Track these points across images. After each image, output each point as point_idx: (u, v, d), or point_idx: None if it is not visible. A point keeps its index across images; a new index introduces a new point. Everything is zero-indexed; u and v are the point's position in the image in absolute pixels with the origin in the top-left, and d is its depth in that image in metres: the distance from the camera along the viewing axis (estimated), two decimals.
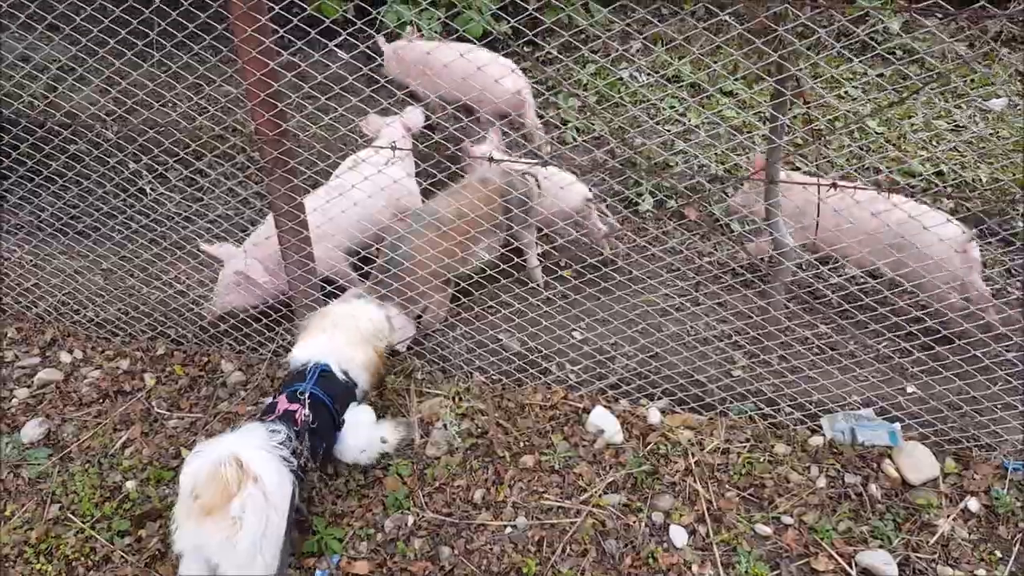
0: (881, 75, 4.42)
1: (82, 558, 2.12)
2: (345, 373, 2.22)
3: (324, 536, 2.12)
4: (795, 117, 3.61)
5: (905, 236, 2.49)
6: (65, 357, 2.78)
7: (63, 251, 3.17)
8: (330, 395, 2.13)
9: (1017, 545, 2.03)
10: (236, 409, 2.55)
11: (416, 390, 2.58)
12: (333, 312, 2.33)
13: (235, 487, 1.72)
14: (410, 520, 2.18)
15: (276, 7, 2.01)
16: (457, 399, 2.54)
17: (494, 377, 2.65)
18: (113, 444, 2.44)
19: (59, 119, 2.63)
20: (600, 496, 2.20)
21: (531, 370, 2.65)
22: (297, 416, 2.01)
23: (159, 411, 2.56)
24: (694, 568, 2.02)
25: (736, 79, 4.29)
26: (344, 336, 2.25)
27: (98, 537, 2.16)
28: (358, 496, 2.27)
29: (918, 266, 2.51)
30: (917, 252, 2.50)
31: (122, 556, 2.12)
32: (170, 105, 2.65)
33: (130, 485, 2.31)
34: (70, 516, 2.23)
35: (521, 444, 2.39)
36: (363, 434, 2.25)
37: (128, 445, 2.44)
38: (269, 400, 2.16)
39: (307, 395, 2.06)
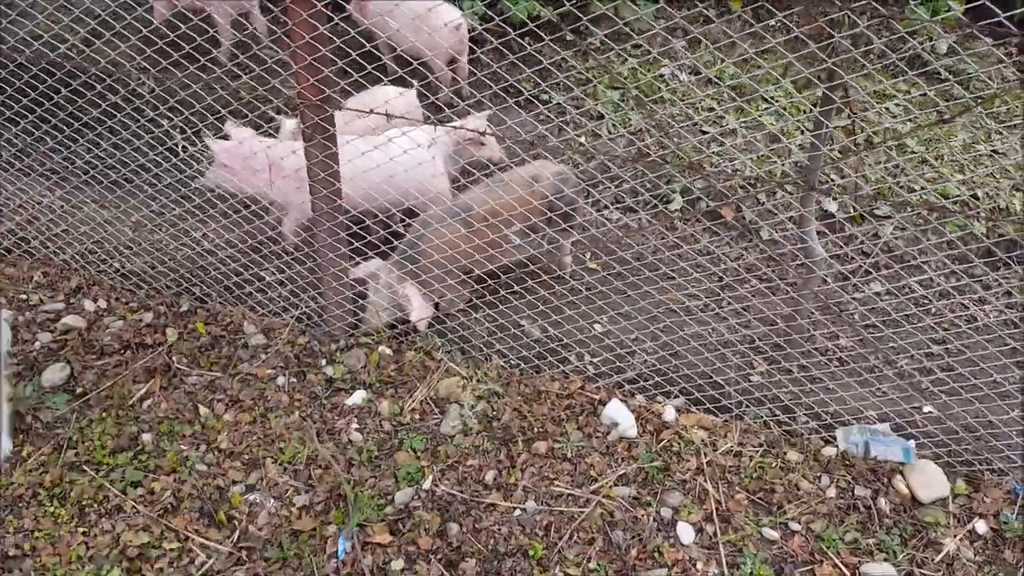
0: (924, 94, 4.37)
1: (95, 504, 2.15)
2: None
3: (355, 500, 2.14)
4: (836, 127, 3.58)
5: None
6: (89, 305, 2.81)
7: (94, 200, 3.19)
8: None
9: (1022, 570, 2.03)
10: (255, 371, 2.57)
11: (434, 368, 2.60)
12: None
13: None
14: (421, 495, 2.20)
15: None
16: (475, 381, 2.55)
17: (512, 362, 2.65)
18: (132, 396, 2.47)
19: (100, 67, 2.63)
20: (610, 487, 2.21)
21: (550, 358, 2.66)
22: None
23: (179, 367, 2.58)
24: (699, 565, 2.03)
25: (778, 85, 4.25)
26: None
27: (110, 487, 2.19)
28: (370, 466, 2.29)
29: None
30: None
31: (134, 506, 2.15)
32: (211, 64, 2.66)
33: (146, 437, 2.34)
34: (85, 463, 2.26)
35: (535, 430, 2.40)
36: None
37: (146, 398, 2.47)
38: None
39: None
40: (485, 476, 2.25)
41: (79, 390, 2.49)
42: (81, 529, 2.09)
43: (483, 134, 3.02)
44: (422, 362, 2.63)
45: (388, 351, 2.66)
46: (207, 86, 2.80)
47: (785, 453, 2.35)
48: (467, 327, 2.77)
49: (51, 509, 2.14)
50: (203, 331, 2.71)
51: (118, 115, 2.80)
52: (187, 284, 2.87)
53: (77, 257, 2.97)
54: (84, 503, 2.16)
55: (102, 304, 2.83)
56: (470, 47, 4.02)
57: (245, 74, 2.34)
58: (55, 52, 2.47)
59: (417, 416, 2.45)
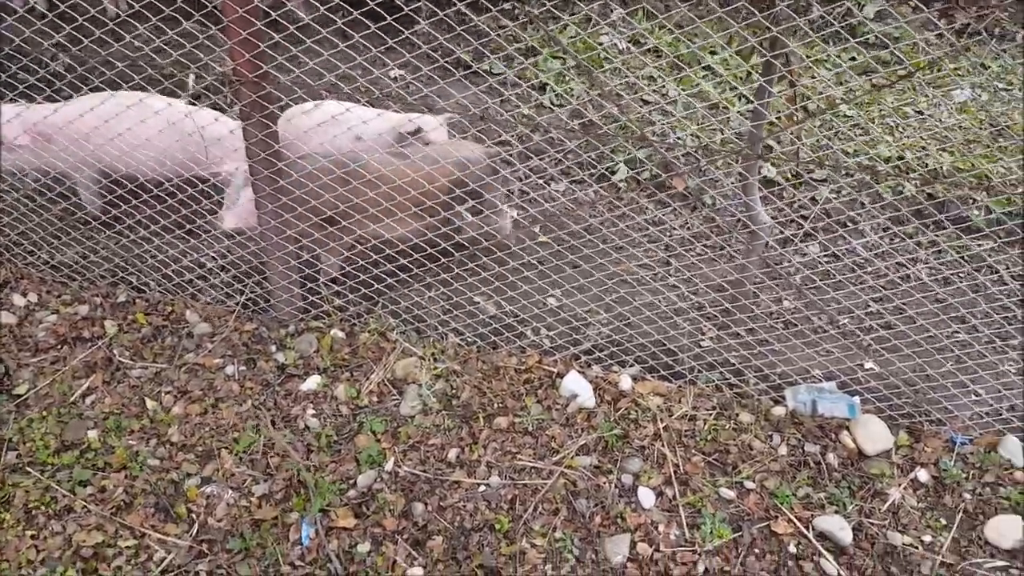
0: (854, 59, 4.49)
1: (42, 507, 2.06)
2: None
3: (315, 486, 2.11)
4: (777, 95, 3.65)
5: None
6: (19, 300, 2.65)
7: (14, 188, 2.99)
8: None
9: (960, 514, 2.16)
10: (202, 361, 2.48)
11: (390, 348, 2.56)
12: None
13: None
14: (384, 477, 2.18)
15: None
16: (432, 360, 2.53)
17: (469, 339, 2.64)
18: (73, 392, 2.36)
19: (14, 46, 2.45)
20: (572, 458, 2.24)
21: (506, 334, 2.66)
22: None
23: (121, 360, 2.47)
24: (660, 528, 2.09)
25: (719, 56, 4.30)
26: None
27: (58, 488, 2.10)
28: (330, 451, 2.26)
29: None
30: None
31: (84, 506, 2.07)
32: (140, 39, 2.50)
33: (92, 434, 2.24)
34: (28, 464, 2.16)
35: (495, 406, 2.41)
36: None
37: (89, 394, 2.36)
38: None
39: None
40: (448, 454, 2.25)
41: (16, 389, 2.36)
42: (30, 532, 2.00)
43: (415, 133, 2.92)
44: (377, 343, 2.59)
45: (341, 334, 2.61)
46: (132, 64, 2.65)
47: (737, 415, 2.43)
48: (421, 306, 2.74)
49: None
50: (143, 322, 2.60)
51: (37, 98, 2.63)
52: (122, 273, 2.74)
53: (2, 250, 2.80)
54: (31, 505, 2.06)
55: (32, 298, 2.68)
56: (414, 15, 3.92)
57: (174, 51, 2.21)
58: None
59: (375, 398, 2.42)
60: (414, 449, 2.27)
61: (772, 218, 3.29)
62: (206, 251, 2.79)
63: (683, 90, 4.21)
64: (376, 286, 2.63)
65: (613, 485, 2.19)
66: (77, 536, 1.99)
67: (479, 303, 2.80)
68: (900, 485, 2.23)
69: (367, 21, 2.10)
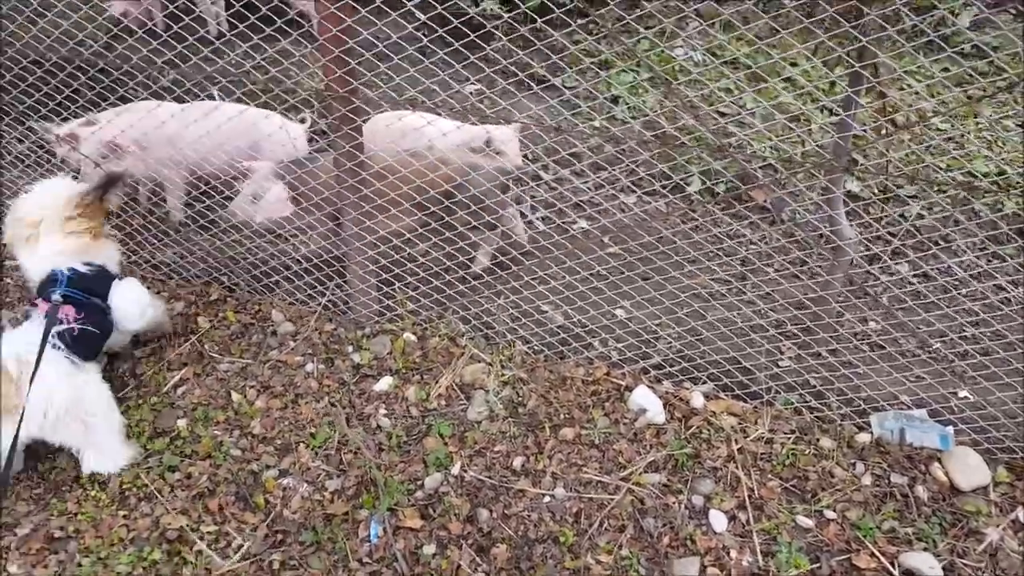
0: (947, 69, 4.25)
1: (134, 489, 2.20)
2: (85, 264, 2.29)
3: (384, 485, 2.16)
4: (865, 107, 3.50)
5: None
6: None
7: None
8: (85, 289, 2.24)
9: None
10: (285, 358, 2.59)
11: (459, 353, 2.60)
12: (28, 210, 2.28)
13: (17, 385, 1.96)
14: (450, 480, 2.21)
15: None
16: (500, 366, 2.55)
17: (536, 348, 2.65)
18: (167, 382, 2.51)
19: (113, 60, 2.65)
20: (640, 474, 2.20)
21: (574, 344, 2.65)
22: (62, 315, 2.15)
23: (211, 354, 2.62)
24: (732, 553, 2.02)
25: (796, 66, 4.16)
26: (58, 229, 2.26)
27: (149, 472, 2.23)
28: (399, 451, 2.31)
29: None
30: None
31: (172, 490, 2.19)
32: (235, 60, 2.67)
33: (182, 423, 2.38)
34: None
35: (561, 416, 2.40)
36: (133, 302, 2.36)
37: (181, 385, 2.51)
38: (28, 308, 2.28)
39: (60, 295, 2.18)
40: (513, 462, 2.26)
41: (115, 378, 2.54)
42: (122, 512, 2.14)
43: (486, 144, 2.95)
44: (447, 348, 2.63)
45: (413, 337, 2.67)
46: (233, 79, 2.83)
47: (818, 440, 2.32)
48: (490, 313, 2.77)
49: (92, 493, 2.19)
50: (233, 319, 2.74)
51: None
52: (216, 273, 2.90)
53: None
54: (124, 487, 2.20)
55: None
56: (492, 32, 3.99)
57: (272, 67, 2.34)
58: (71, 43, 2.49)
59: (443, 402, 2.46)
60: (480, 455, 2.29)
61: (858, 234, 3.15)
62: (292, 254, 2.91)
63: (762, 102, 4.10)
64: (448, 292, 2.68)
65: (683, 506, 2.14)
66: (164, 519, 2.11)
67: (547, 312, 2.80)
68: (999, 525, 2.07)
69: (449, 38, 2.16)
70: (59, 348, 2.12)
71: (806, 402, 2.44)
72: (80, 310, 2.21)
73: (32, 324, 2.16)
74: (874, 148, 3.47)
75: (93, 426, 2.15)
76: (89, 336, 2.22)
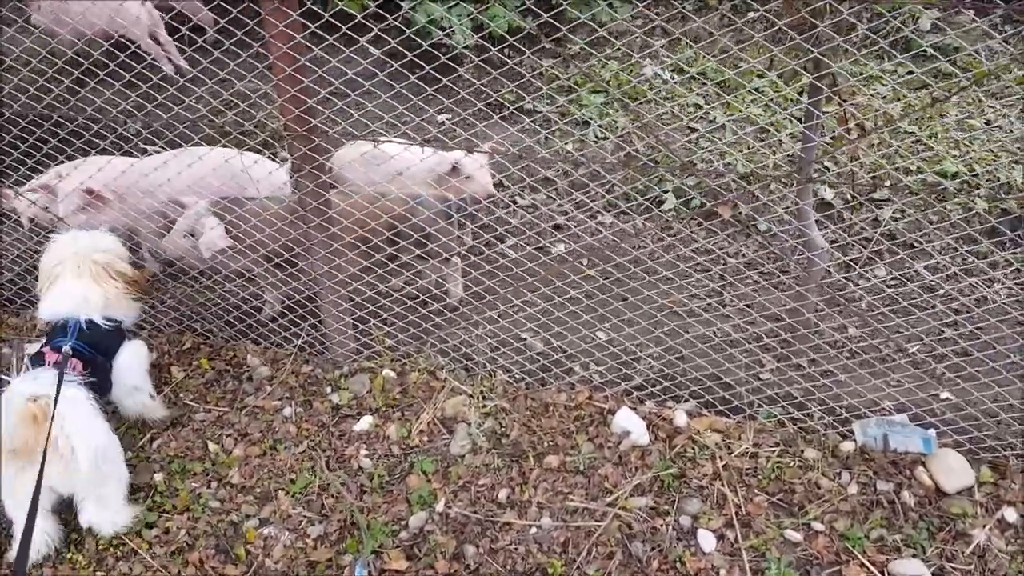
0: (911, 73, 4.34)
1: (111, 548, 2.14)
2: (106, 318, 2.28)
3: (368, 527, 2.12)
4: (827, 115, 3.56)
5: None
6: None
7: None
8: (93, 345, 2.21)
9: None
10: (261, 404, 2.56)
11: (439, 387, 2.58)
12: (66, 253, 2.30)
13: (46, 427, 1.93)
14: (435, 518, 2.17)
15: (306, 2, 2.01)
16: (481, 398, 2.53)
17: (517, 376, 2.63)
18: (142, 436, 2.46)
19: (88, 114, 2.64)
20: (626, 498, 2.18)
21: (555, 370, 2.63)
22: (70, 366, 2.12)
23: (187, 402, 2.57)
24: (722, 573, 2.00)
25: (763, 79, 4.23)
26: (89, 277, 2.27)
27: (123, 536, 2.17)
28: (382, 492, 2.27)
29: None
30: None
31: (149, 547, 2.14)
32: (196, 101, 2.66)
33: (158, 477, 2.33)
34: None
35: (545, 444, 2.37)
36: (134, 371, 2.34)
37: (156, 438, 2.46)
38: (32, 348, 2.29)
39: (69, 348, 2.15)
40: (498, 495, 2.23)
41: None
42: (99, 573, 2.08)
43: (452, 172, 2.94)
44: (427, 382, 2.61)
45: (392, 374, 2.65)
46: (192, 124, 2.82)
47: (802, 451, 2.31)
48: (469, 344, 2.75)
49: (68, 555, 2.12)
50: (207, 367, 2.70)
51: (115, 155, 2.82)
52: (188, 321, 2.86)
53: None
54: (100, 547, 2.14)
55: None
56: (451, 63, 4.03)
57: (229, 110, 2.35)
58: (42, 104, 2.48)
59: (426, 438, 2.43)
60: (464, 489, 2.25)
61: (831, 242, 3.18)
62: (265, 297, 2.88)
63: (730, 116, 4.16)
64: (424, 325, 2.66)
65: (671, 527, 2.11)
66: None
67: (526, 339, 2.79)
68: (985, 526, 2.06)
69: (414, 68, 2.17)
70: (88, 394, 2.09)
71: (789, 414, 2.44)
72: (86, 365, 2.18)
73: (43, 372, 2.10)
74: (843, 155, 3.51)
75: (106, 476, 2.09)
76: (94, 391, 2.18)
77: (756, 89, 4.32)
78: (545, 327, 2.73)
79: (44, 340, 2.27)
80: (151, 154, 2.85)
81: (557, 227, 3.51)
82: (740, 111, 4.16)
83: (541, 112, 4.12)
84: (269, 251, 2.62)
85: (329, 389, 2.61)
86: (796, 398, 2.48)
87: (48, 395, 2.00)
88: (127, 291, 2.38)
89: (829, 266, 2.94)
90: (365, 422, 2.48)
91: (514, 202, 3.67)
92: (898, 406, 2.43)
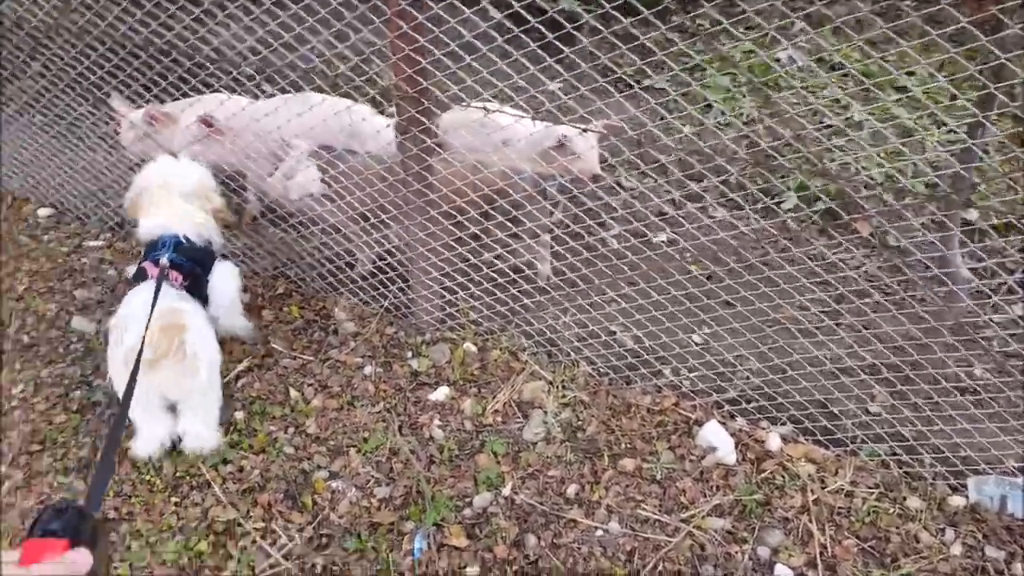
0: None
1: (187, 477, 2.22)
2: (199, 235, 2.36)
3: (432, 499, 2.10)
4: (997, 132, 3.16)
5: None
6: None
7: None
8: (191, 259, 2.30)
9: None
10: (344, 358, 2.57)
11: (519, 369, 2.51)
12: (159, 175, 2.39)
13: (180, 336, 2.08)
14: (500, 501, 2.12)
15: None
16: (561, 387, 2.44)
17: (601, 370, 2.52)
18: (229, 372, 2.54)
19: (206, 53, 2.68)
20: (703, 517, 2.05)
21: (642, 369, 2.50)
22: (171, 278, 2.22)
23: (274, 346, 2.63)
24: None
25: (912, 75, 3.82)
26: (180, 198, 2.36)
27: (201, 465, 2.25)
28: (450, 466, 2.24)
29: None
30: None
31: (223, 482, 2.20)
32: (311, 50, 2.65)
33: (239, 416, 2.39)
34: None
35: (623, 446, 2.27)
36: (229, 284, 2.43)
37: (241, 376, 2.53)
38: (132, 268, 2.39)
39: (167, 260, 2.24)
40: (567, 489, 2.15)
41: None
42: (174, 499, 2.17)
43: (560, 147, 2.80)
44: (507, 362, 2.54)
45: (473, 348, 2.60)
46: (305, 75, 2.79)
47: (904, 498, 2.10)
48: (555, 330, 2.66)
49: (148, 477, 2.23)
50: (297, 315, 2.75)
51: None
52: (283, 267, 2.92)
53: None
54: (178, 474, 2.23)
55: None
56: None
57: (343, 63, 2.31)
58: (163, 39, 2.54)
59: (500, 418, 2.37)
60: (533, 477, 2.19)
61: (970, 267, 2.85)
62: (357, 254, 2.89)
63: (871, 115, 3.79)
64: (512, 305, 2.58)
65: (747, 556, 1.97)
66: (214, 510, 2.13)
67: (616, 333, 2.66)
68: None
69: (526, 39, 2.05)
70: (199, 305, 2.25)
71: (895, 455, 2.21)
72: (186, 277, 2.28)
73: (148, 285, 2.21)
74: (1003, 180, 3.12)
75: (212, 389, 2.24)
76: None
77: (902, 89, 3.91)
78: (637, 322, 2.58)
79: (142, 257, 2.37)
80: (266, 97, 2.88)
81: (663, 216, 3.33)
82: (884, 110, 3.78)
83: (662, 89, 3.89)
84: (367, 210, 2.60)
85: (410, 354, 2.60)
86: (906, 439, 2.24)
87: (183, 308, 2.16)
88: (215, 217, 2.46)
89: (969, 303, 2.63)
90: (441, 392, 2.45)
91: (619, 185, 3.50)
92: None
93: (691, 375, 2.50)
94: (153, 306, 2.08)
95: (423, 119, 2.23)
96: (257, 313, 2.76)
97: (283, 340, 2.66)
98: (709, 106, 3.89)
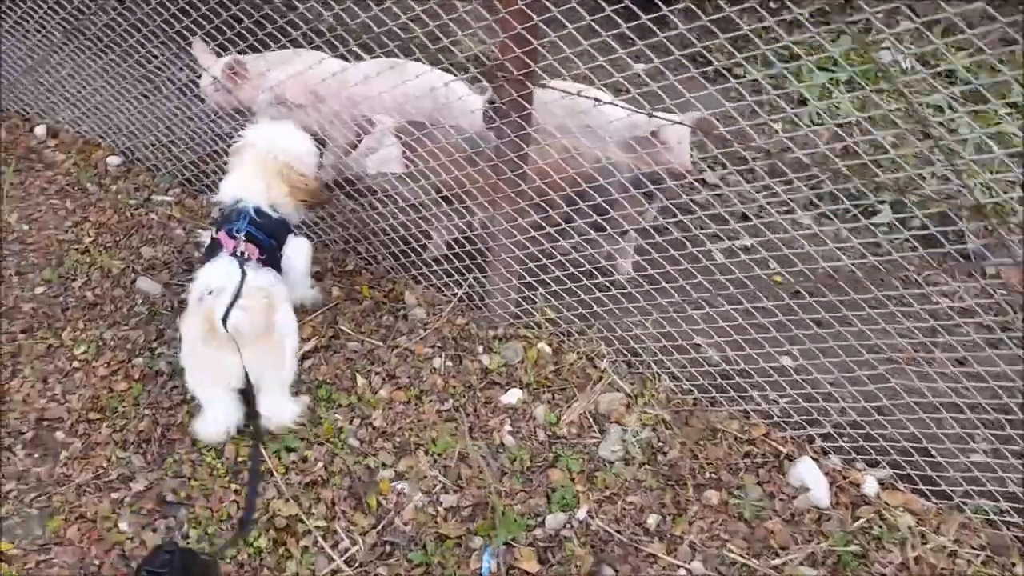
0: None
1: (249, 463, 2.12)
2: (274, 208, 2.26)
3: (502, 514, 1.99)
4: None
5: None
6: None
7: None
8: (265, 231, 2.20)
9: None
10: (413, 347, 2.45)
11: (596, 377, 2.36)
12: (254, 144, 2.29)
13: (269, 315, 2.02)
14: (574, 524, 2.00)
15: None
16: (640, 402, 2.29)
17: (684, 387, 2.36)
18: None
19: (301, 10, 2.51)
20: (796, 566, 1.90)
21: (730, 390, 2.33)
22: (248, 253, 2.12)
23: (342, 328, 2.50)
24: None
25: None
26: (268, 168, 2.25)
27: (263, 452, 2.15)
28: (521, 479, 2.12)
29: None
30: None
31: (285, 472, 2.11)
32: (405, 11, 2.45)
33: (304, 399, 2.29)
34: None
35: (707, 475, 2.12)
36: (302, 260, 2.36)
37: (308, 357, 2.42)
38: (206, 235, 2.31)
39: (243, 233, 2.14)
40: (647, 519, 2.01)
41: None
42: (234, 487, 2.08)
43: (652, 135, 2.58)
44: (583, 368, 2.40)
45: (548, 349, 2.45)
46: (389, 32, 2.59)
47: (1013, 565, 1.93)
48: (638, 338, 2.48)
49: (208, 459, 2.14)
50: (367, 294, 2.62)
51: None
52: (353, 242, 2.77)
53: None
54: (240, 460, 2.14)
55: None
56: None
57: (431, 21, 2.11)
58: None
59: (574, 430, 2.24)
60: (610, 501, 2.06)
61: None
62: (432, 235, 2.73)
63: (979, 127, 3.49)
64: (593, 307, 2.42)
65: None
66: (275, 503, 2.03)
67: (700, 344, 2.49)
68: None
69: (618, 19, 1.84)
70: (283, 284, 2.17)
71: (1002, 513, 2.04)
72: (261, 252, 2.17)
73: (226, 258, 2.11)
74: None
75: (292, 367, 2.18)
76: None
77: (1014, 104, 3.60)
78: (722, 332, 2.39)
79: (215, 226, 2.25)
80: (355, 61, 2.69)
81: (744, 217, 3.11)
82: (992, 124, 3.49)
83: (753, 80, 3.63)
84: (451, 193, 2.44)
85: (480, 348, 2.46)
86: (1015, 495, 2.06)
87: (270, 285, 2.09)
88: (298, 195, 2.32)
89: None
90: (513, 395, 2.31)
91: (702, 181, 3.28)
92: None
93: (782, 402, 2.33)
94: (242, 281, 1.99)
95: (525, 104, 2.04)
96: (326, 289, 2.63)
97: (351, 321, 2.53)
98: (804, 102, 3.62)
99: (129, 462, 2.12)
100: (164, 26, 2.69)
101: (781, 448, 2.17)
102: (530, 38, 1.91)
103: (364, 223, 2.79)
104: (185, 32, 2.71)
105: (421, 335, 2.49)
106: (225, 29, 2.60)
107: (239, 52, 2.71)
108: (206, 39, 2.81)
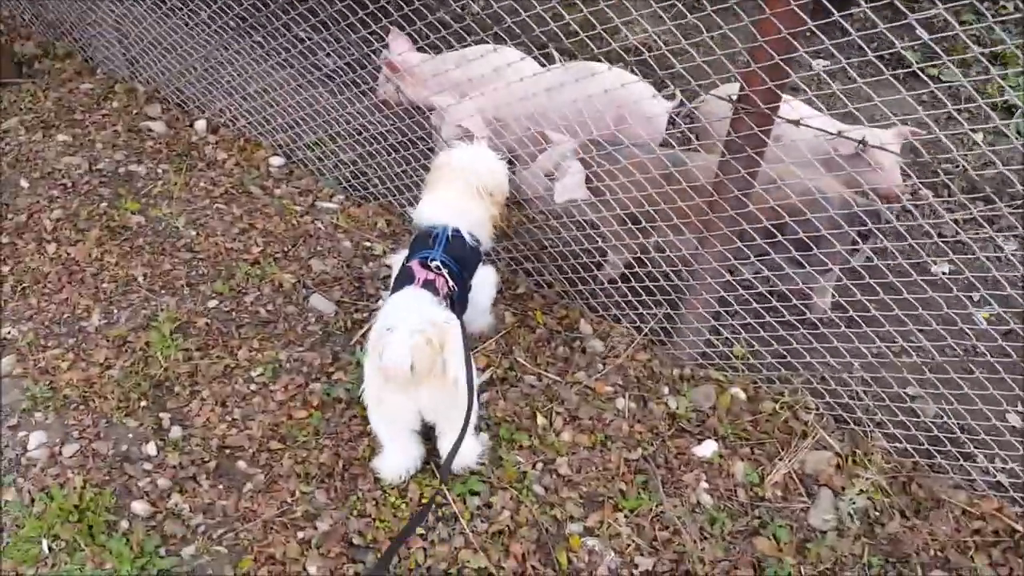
0: None
1: (436, 508, 2.04)
2: (471, 234, 2.13)
3: None
4: None
5: None
6: None
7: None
8: (458, 260, 2.06)
9: None
10: (594, 385, 2.29)
11: (800, 431, 2.15)
12: (453, 162, 2.16)
13: (442, 354, 1.82)
14: None
15: None
16: (852, 463, 2.07)
17: (899, 447, 2.12)
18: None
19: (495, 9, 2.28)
20: None
21: (950, 447, 2.08)
22: (438, 285, 1.96)
23: (517, 359, 2.37)
24: None
25: None
26: (467, 191, 2.13)
27: (449, 492, 2.05)
28: (723, 545, 1.95)
29: None
30: None
31: (471, 519, 2.01)
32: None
33: (484, 436, 2.17)
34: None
35: (932, 553, 1.91)
36: (489, 291, 2.24)
37: (484, 391, 2.29)
38: (396, 258, 2.19)
39: (439, 263, 2.00)
40: None
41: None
42: (419, 531, 2.00)
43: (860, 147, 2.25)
44: (785, 420, 2.19)
45: (742, 394, 2.25)
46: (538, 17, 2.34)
47: None
48: (845, 384, 2.24)
49: (392, 499, 2.07)
50: (540, 321, 2.46)
51: (442, 32, 2.50)
52: (524, 263, 2.60)
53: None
54: (423, 500, 2.06)
55: None
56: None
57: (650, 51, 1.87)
58: None
59: (779, 492, 2.05)
60: None
61: None
62: (608, 256, 2.54)
63: None
64: (794, 346, 2.18)
65: None
66: (463, 554, 1.94)
67: (913, 395, 2.23)
68: None
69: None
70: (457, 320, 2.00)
71: None
72: (450, 282, 2.03)
73: (413, 290, 1.98)
74: None
75: (471, 406, 2.02)
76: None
77: None
78: (935, 384, 2.10)
79: (409, 251, 2.12)
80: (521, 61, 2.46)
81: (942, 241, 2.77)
82: None
83: (949, 83, 3.20)
84: (640, 212, 2.24)
85: (666, 390, 2.29)
86: None
87: (445, 321, 1.90)
88: (494, 220, 2.18)
89: None
90: (708, 448, 2.14)
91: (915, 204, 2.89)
92: None
93: (1010, 464, 2.07)
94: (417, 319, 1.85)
95: (764, 139, 1.79)
96: (499, 314, 2.49)
97: (526, 352, 2.39)
98: (1011, 110, 3.18)
99: (313, 498, 2.07)
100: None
101: (1016, 526, 1.92)
102: (788, 70, 1.65)
103: (536, 241, 2.60)
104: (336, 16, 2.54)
105: (600, 370, 2.33)
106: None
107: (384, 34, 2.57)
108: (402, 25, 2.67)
